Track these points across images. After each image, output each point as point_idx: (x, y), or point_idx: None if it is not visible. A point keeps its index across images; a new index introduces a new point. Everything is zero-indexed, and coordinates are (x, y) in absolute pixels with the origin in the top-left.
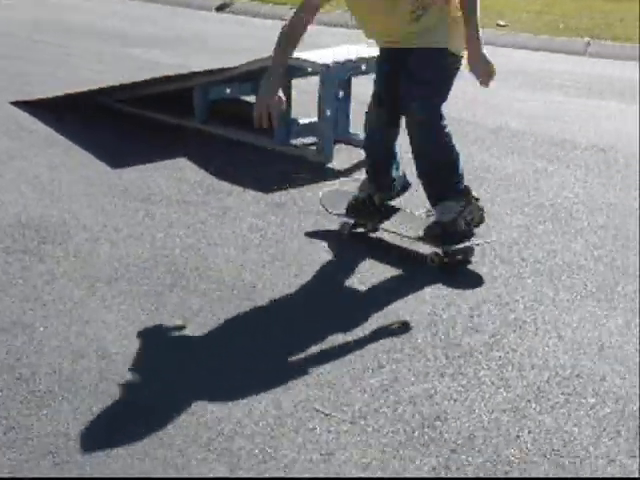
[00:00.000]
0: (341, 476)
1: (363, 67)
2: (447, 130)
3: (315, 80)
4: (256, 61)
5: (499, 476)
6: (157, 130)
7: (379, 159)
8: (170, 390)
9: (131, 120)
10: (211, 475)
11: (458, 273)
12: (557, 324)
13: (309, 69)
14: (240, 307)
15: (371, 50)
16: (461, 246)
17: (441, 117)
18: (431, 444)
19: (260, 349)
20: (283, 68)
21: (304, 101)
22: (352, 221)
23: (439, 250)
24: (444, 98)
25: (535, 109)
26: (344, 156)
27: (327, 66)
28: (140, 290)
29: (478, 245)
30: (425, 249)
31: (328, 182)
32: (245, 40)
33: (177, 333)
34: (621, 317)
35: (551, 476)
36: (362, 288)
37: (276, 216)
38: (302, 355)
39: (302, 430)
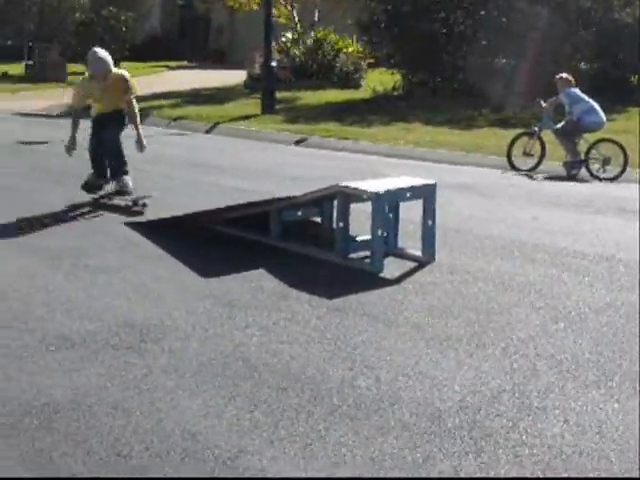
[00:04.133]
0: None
1: (408, 195)
2: None
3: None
4: (323, 189)
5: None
6: (240, 246)
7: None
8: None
9: (220, 237)
10: None
11: (484, 367)
12: (564, 410)
13: (364, 196)
14: (302, 397)
15: (415, 180)
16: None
17: None
18: None
19: (315, 432)
20: None
21: (362, 221)
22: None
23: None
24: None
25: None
26: (393, 267)
27: (378, 194)
28: (220, 381)
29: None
30: None
31: (380, 289)
32: (316, 170)
33: (249, 416)
34: (618, 403)
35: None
36: (400, 378)
37: (336, 318)
38: (346, 435)
39: None
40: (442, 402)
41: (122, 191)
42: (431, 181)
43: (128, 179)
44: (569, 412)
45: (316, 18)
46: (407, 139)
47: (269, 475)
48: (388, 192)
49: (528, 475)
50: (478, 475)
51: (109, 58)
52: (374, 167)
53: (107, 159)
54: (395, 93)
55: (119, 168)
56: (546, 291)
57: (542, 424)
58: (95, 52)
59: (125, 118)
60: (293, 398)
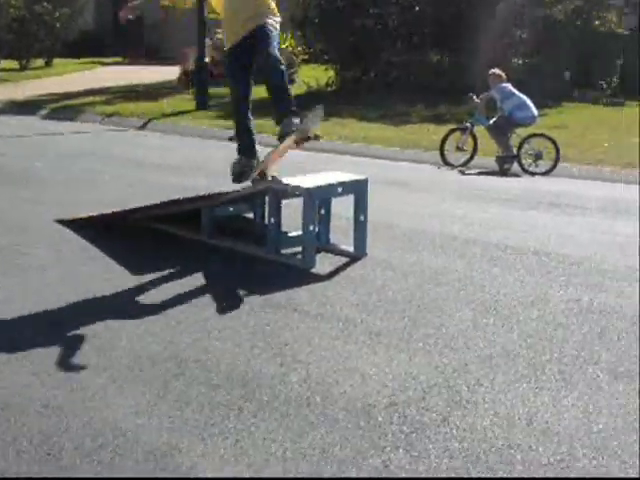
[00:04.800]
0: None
1: (339, 190)
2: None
3: (301, 200)
4: (253, 186)
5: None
6: (172, 243)
7: None
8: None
9: (152, 235)
10: None
11: (414, 361)
12: (494, 403)
13: (296, 192)
14: (233, 393)
15: (347, 175)
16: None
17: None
18: None
19: (245, 428)
20: None
21: (293, 217)
22: None
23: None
24: None
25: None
26: (325, 262)
27: (309, 190)
28: (151, 379)
29: None
30: None
31: (311, 284)
32: None
33: (180, 413)
34: (547, 396)
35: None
36: (331, 374)
37: (267, 314)
38: (276, 431)
39: None
40: (373, 397)
41: None
42: (362, 177)
43: None
44: (499, 405)
45: None
46: (341, 135)
47: (200, 472)
48: (319, 188)
49: (459, 469)
50: (407, 467)
51: None
52: (307, 163)
53: None
54: (329, 89)
55: None
56: (477, 285)
57: (472, 418)
58: None
59: None
60: (224, 395)
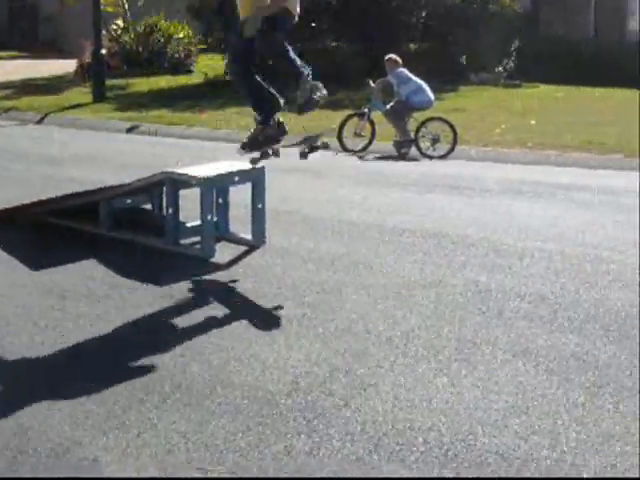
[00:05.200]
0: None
1: (237, 179)
2: None
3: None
4: (151, 176)
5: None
6: (71, 237)
7: None
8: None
9: (50, 229)
10: None
11: (315, 347)
12: (395, 386)
13: (193, 182)
14: (134, 386)
15: (244, 165)
16: None
17: None
18: None
19: (147, 420)
20: None
21: (192, 208)
22: None
23: None
24: None
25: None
26: (224, 252)
27: (206, 179)
28: (52, 374)
29: None
30: None
31: (211, 274)
32: (148, 157)
33: (81, 407)
34: (447, 377)
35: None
36: (232, 362)
37: (167, 305)
38: (178, 422)
39: None
40: (274, 384)
41: None
42: (259, 164)
43: None
44: (399, 388)
45: (140, 3)
46: (240, 124)
47: (102, 465)
48: (216, 177)
49: (360, 452)
50: (309, 452)
51: None
52: (206, 152)
53: None
54: (227, 78)
55: None
56: (376, 269)
57: (373, 401)
58: None
59: None
60: (125, 387)
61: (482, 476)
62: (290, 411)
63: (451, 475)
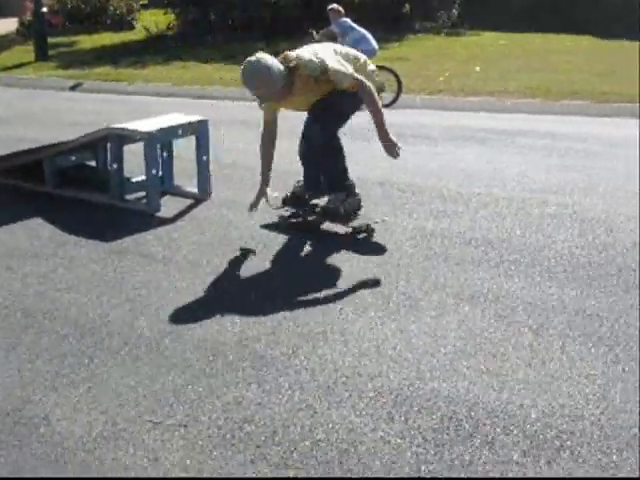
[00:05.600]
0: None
1: (180, 132)
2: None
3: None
4: (94, 132)
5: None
6: (16, 196)
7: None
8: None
9: None
10: None
11: (263, 297)
12: (344, 333)
13: (137, 137)
14: (83, 342)
15: (187, 118)
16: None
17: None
18: (240, 443)
19: (97, 375)
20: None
21: (137, 162)
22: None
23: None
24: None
25: None
26: (170, 206)
27: (150, 133)
28: (0, 332)
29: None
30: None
31: (157, 228)
32: (92, 114)
33: (30, 365)
34: (394, 323)
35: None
36: (181, 315)
37: (114, 261)
38: (128, 376)
39: (134, 440)
40: (222, 335)
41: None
42: (203, 117)
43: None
44: (348, 335)
45: None
46: (183, 78)
47: (53, 422)
48: (160, 131)
49: (310, 400)
50: (260, 402)
51: None
52: (150, 108)
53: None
54: (170, 33)
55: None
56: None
57: (322, 349)
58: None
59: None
60: (74, 344)
61: (432, 419)
62: (239, 361)
63: (402, 419)
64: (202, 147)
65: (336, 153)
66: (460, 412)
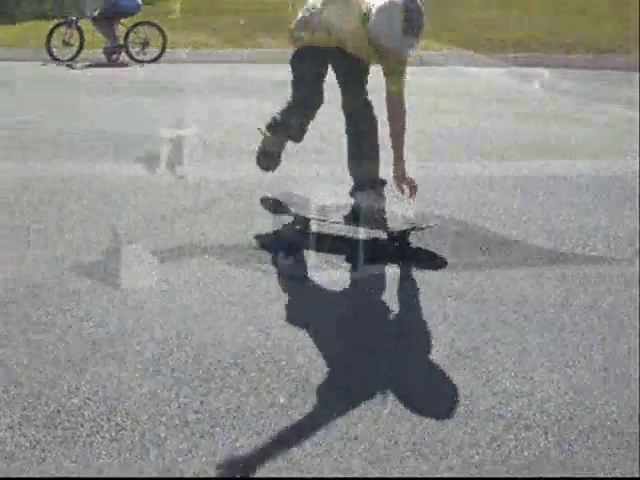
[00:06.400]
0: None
1: None
2: None
3: None
4: None
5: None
6: None
7: None
8: None
9: None
10: None
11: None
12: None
13: None
14: None
15: None
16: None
17: None
18: (6, 407)
19: None
20: None
21: None
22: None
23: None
24: None
25: None
26: None
27: None
28: None
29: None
30: None
31: None
32: None
33: None
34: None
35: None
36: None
37: None
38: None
39: None
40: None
41: None
42: None
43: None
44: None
45: None
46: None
47: None
48: None
49: (77, 358)
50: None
51: None
52: None
53: None
54: None
55: None
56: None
57: (87, 305)
58: None
59: None
60: None
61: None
62: (1, 324)
63: (168, 371)
64: None
65: None
66: (225, 360)
